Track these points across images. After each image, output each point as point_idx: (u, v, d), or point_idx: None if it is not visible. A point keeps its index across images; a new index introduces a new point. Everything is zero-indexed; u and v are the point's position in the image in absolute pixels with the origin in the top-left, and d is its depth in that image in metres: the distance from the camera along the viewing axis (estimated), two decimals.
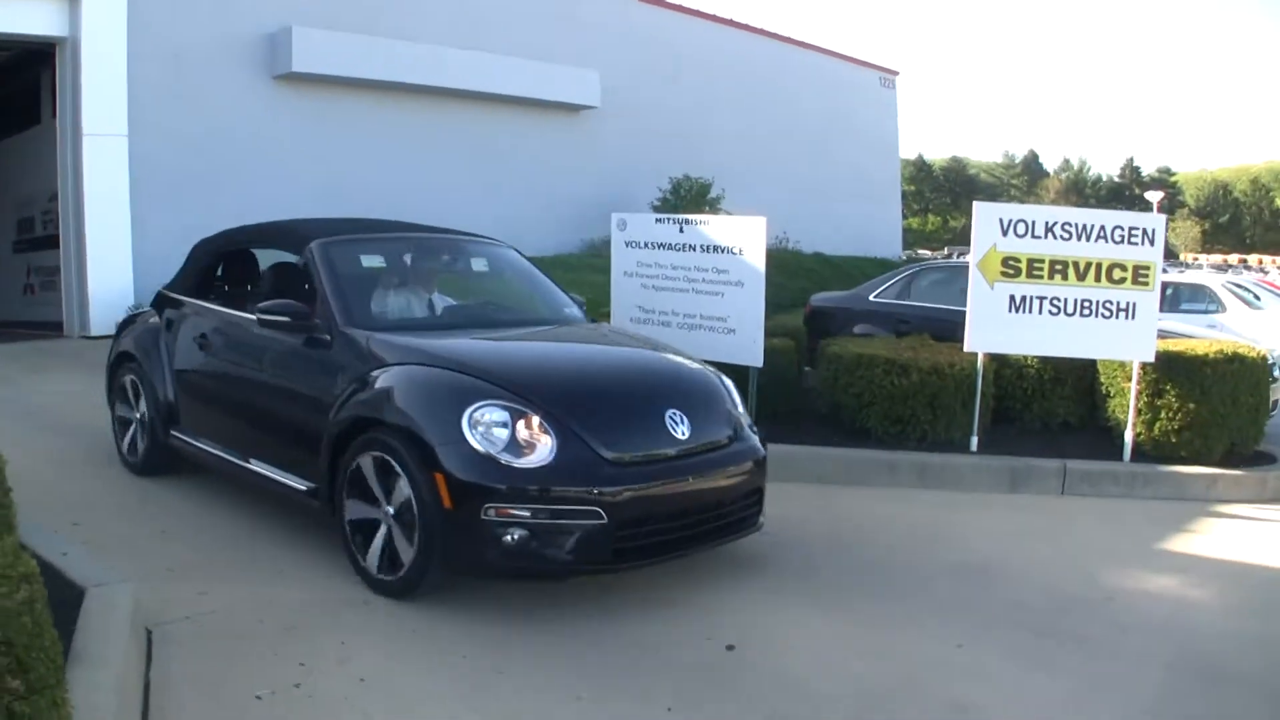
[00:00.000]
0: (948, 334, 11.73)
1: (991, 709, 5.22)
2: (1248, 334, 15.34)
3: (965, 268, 12.56)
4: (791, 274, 24.37)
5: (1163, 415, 10.07)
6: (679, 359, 7.62)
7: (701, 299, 10.37)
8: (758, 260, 10.18)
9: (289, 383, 7.33)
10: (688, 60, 31.06)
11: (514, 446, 5.93)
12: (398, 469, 6.11)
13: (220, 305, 8.48)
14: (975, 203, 10.13)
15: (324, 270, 7.44)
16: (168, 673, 5.10)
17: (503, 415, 6.03)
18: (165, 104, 20.03)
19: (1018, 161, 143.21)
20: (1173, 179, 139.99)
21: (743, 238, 10.20)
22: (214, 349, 8.20)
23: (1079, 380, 11.02)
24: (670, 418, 6.47)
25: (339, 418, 6.58)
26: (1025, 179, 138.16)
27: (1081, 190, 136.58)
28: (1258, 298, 21.19)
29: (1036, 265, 9.76)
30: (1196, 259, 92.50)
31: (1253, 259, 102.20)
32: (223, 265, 9.13)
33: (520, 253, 9.06)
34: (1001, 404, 10.96)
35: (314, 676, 5.18)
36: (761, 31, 35.35)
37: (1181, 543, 8.38)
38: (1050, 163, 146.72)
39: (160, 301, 9.26)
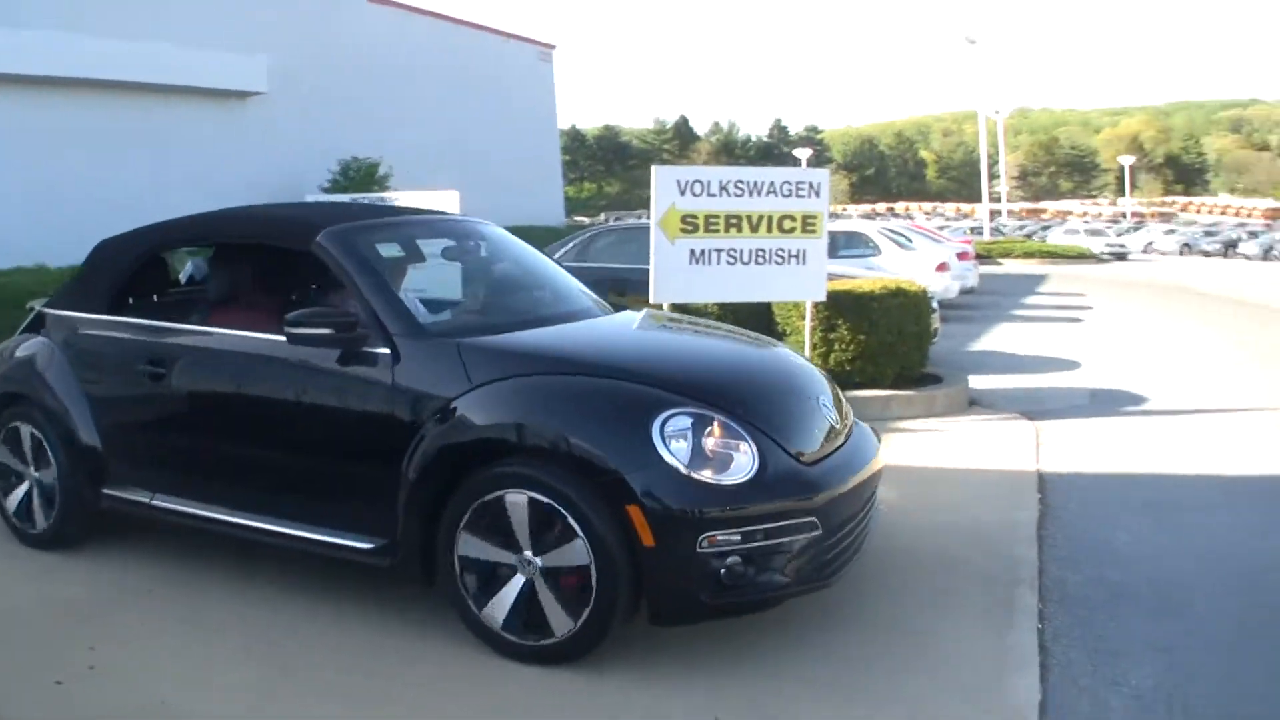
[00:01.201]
0: (629, 290, 12.43)
1: None
2: (903, 273, 16.60)
3: (636, 229, 13.34)
4: None
5: (836, 347, 11.06)
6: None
7: None
8: None
9: (327, 414, 5.68)
10: (356, 42, 31.21)
11: (702, 458, 4.90)
12: (555, 508, 4.88)
13: (176, 321, 6.60)
14: (655, 166, 10.70)
15: (354, 266, 5.85)
16: None
17: (687, 424, 4.98)
18: None
19: (669, 127, 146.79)
20: (820, 136, 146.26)
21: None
22: (177, 378, 6.26)
23: (758, 322, 11.83)
24: (823, 405, 5.77)
25: (433, 452, 5.21)
26: (677, 143, 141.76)
27: (732, 151, 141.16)
28: (909, 240, 22.92)
29: (713, 220, 10.38)
30: (845, 209, 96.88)
31: (899, 207, 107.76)
32: (148, 270, 7.17)
33: (503, 230, 7.77)
34: None
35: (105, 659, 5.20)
36: (425, 11, 35.81)
37: None
38: (701, 126, 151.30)
39: (44, 324, 7.16)
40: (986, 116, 63.90)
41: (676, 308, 10.79)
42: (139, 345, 6.47)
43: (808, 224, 10.43)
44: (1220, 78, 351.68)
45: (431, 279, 6.84)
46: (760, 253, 10.38)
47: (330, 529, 5.62)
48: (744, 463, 4.93)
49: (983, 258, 39.94)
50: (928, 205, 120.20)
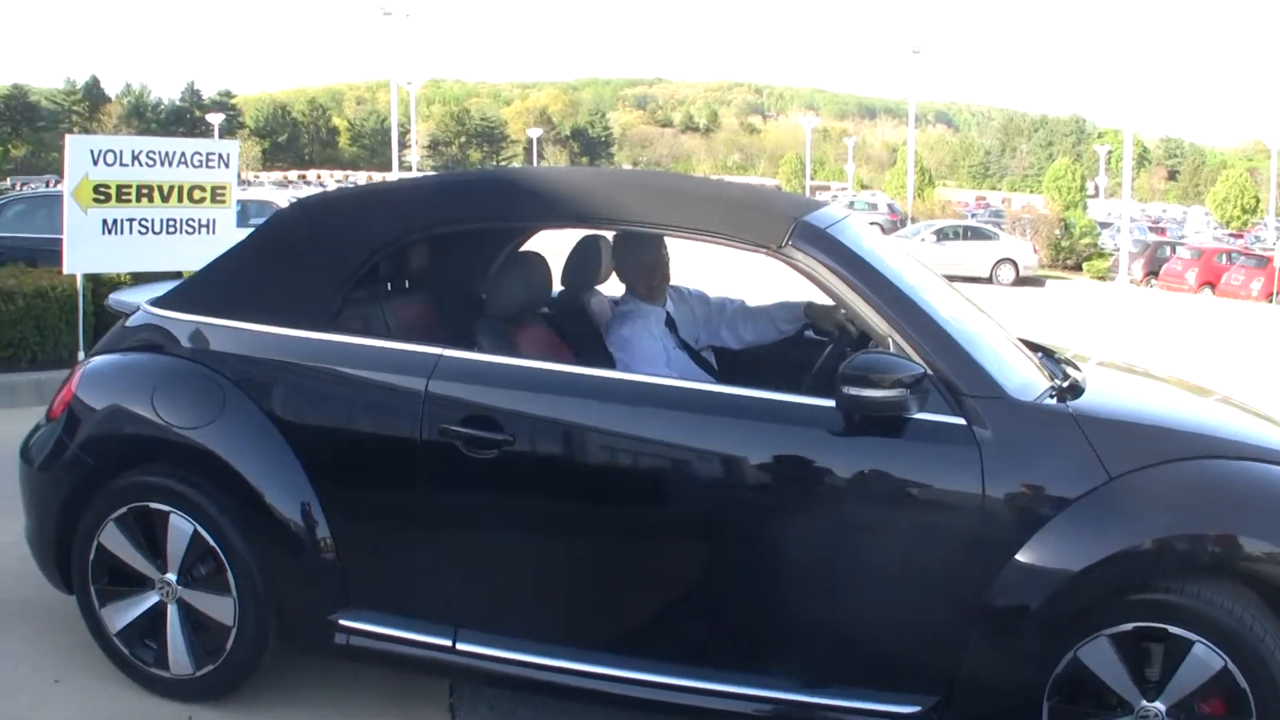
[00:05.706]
0: (40, 260, 12.62)
1: None
2: None
3: (47, 197, 13.55)
4: None
5: None
6: None
7: None
8: None
9: (848, 514, 3.80)
10: None
11: None
12: (1227, 662, 3.50)
13: (465, 347, 4.22)
14: (68, 136, 10.91)
15: (879, 287, 3.96)
16: None
17: None
18: None
19: (80, 87, 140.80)
20: (233, 101, 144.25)
21: None
22: (546, 449, 4.00)
23: None
24: None
25: (1052, 574, 3.61)
26: (87, 104, 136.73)
27: (144, 114, 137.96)
28: None
29: (125, 190, 10.65)
30: (258, 177, 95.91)
31: (312, 175, 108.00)
32: (390, 263, 4.71)
33: None
34: (103, 319, 11.87)
35: None
36: None
37: None
38: (113, 88, 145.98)
39: (172, 337, 4.50)
40: (399, 86, 65.21)
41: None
42: (437, 397, 4.03)
43: (217, 194, 11.01)
44: (627, 56, 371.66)
45: None
46: (171, 222, 10.83)
47: (841, 691, 3.84)
48: None
49: None
50: (340, 173, 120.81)
